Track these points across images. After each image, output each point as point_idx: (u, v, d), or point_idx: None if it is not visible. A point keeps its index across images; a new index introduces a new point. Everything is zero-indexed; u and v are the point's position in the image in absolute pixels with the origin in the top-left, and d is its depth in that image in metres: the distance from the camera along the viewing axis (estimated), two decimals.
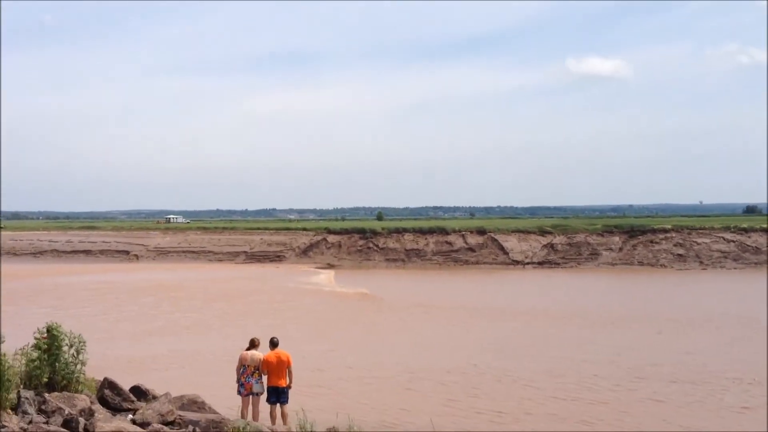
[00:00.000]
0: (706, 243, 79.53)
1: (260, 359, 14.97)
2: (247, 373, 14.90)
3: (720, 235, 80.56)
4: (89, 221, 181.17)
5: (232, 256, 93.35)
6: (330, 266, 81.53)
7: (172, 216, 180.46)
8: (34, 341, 12.29)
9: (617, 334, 34.15)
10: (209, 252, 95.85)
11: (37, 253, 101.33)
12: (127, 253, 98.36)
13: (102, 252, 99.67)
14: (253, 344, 15.25)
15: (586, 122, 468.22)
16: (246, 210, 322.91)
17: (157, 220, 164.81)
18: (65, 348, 12.20)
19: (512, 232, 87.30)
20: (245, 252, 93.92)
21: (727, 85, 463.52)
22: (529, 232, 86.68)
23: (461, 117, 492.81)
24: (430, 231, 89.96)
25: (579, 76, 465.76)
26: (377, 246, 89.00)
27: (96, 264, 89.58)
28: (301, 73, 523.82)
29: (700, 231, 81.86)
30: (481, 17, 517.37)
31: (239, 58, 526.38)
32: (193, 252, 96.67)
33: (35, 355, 12.15)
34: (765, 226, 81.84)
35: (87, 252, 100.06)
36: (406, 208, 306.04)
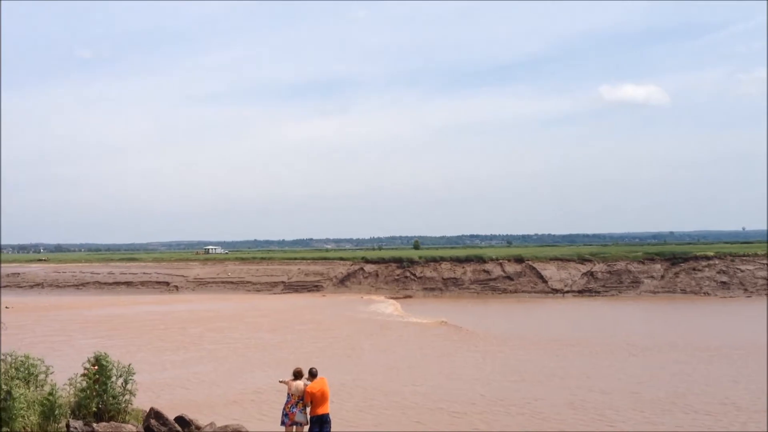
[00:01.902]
0: (750, 270, 77.93)
1: (303, 389, 15.04)
2: (291, 402, 14.98)
3: (764, 261, 78.88)
4: (130, 252, 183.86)
5: (270, 287, 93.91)
6: (407, 296, 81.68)
7: (210, 246, 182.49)
8: (84, 371, 12.52)
9: (646, 364, 33.73)
10: (248, 282, 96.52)
11: (80, 285, 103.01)
12: (167, 284, 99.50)
13: (143, 283, 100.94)
14: (297, 374, 15.33)
15: (622, 149, 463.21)
16: (283, 240, 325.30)
17: (196, 251, 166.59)
18: (114, 378, 12.40)
19: (551, 260, 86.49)
20: (283, 282, 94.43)
21: (762, 110, 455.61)
22: (568, 260, 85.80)
23: (496, 144, 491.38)
24: (468, 259, 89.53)
25: (613, 102, 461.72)
26: (414, 275, 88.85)
27: (137, 295, 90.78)
28: (335, 101, 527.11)
29: (744, 258, 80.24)
30: (513, 45, 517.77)
31: (274, 86, 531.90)
32: (232, 282, 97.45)
33: (84, 384, 12.36)
34: None
35: (128, 283, 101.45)
36: (442, 237, 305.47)
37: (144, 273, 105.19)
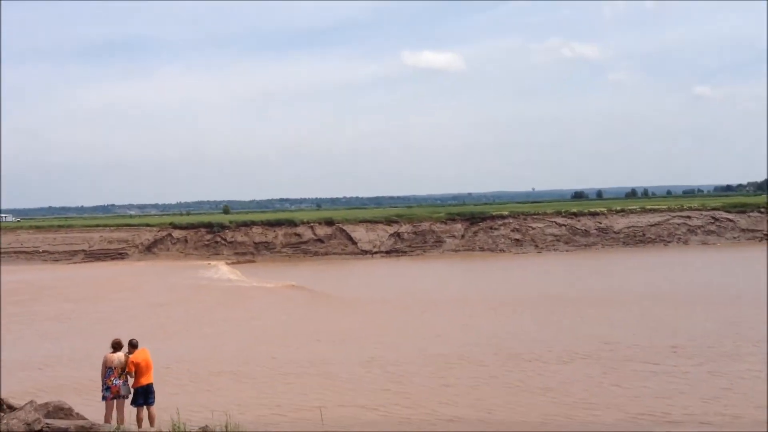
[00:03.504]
0: (540, 228, 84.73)
1: (126, 360, 14.86)
2: (113, 375, 14.75)
3: (552, 219, 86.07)
4: None
5: (69, 256, 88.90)
6: (239, 262, 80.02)
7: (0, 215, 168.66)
8: None
9: (438, 319, 35.14)
10: (44, 252, 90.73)
11: None
12: None
13: None
14: (116, 346, 15.09)
15: (422, 114, 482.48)
16: (81, 207, 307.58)
17: None
18: None
19: (360, 222, 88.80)
20: (84, 250, 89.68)
21: (552, 77, 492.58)
22: (376, 222, 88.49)
23: (303, 108, 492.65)
24: (279, 223, 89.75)
25: (414, 69, 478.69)
26: (225, 240, 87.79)
27: None
28: (138, 63, 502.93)
29: (534, 216, 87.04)
30: (319, 11, 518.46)
31: (71, 46, 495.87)
32: (26, 252, 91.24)
33: None
34: (593, 210, 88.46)
35: None
36: (252, 201, 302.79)
37: None
